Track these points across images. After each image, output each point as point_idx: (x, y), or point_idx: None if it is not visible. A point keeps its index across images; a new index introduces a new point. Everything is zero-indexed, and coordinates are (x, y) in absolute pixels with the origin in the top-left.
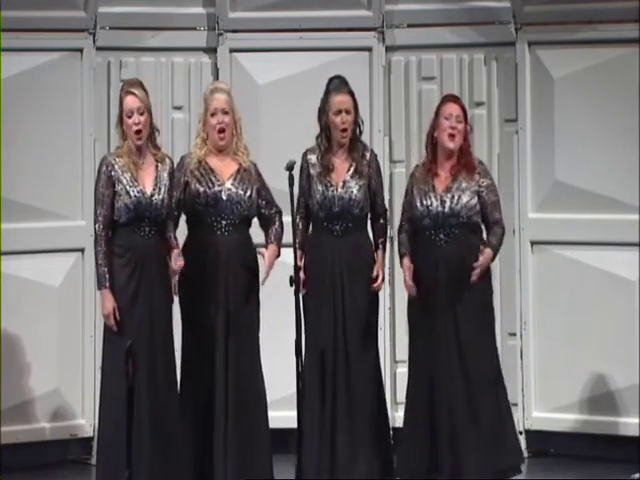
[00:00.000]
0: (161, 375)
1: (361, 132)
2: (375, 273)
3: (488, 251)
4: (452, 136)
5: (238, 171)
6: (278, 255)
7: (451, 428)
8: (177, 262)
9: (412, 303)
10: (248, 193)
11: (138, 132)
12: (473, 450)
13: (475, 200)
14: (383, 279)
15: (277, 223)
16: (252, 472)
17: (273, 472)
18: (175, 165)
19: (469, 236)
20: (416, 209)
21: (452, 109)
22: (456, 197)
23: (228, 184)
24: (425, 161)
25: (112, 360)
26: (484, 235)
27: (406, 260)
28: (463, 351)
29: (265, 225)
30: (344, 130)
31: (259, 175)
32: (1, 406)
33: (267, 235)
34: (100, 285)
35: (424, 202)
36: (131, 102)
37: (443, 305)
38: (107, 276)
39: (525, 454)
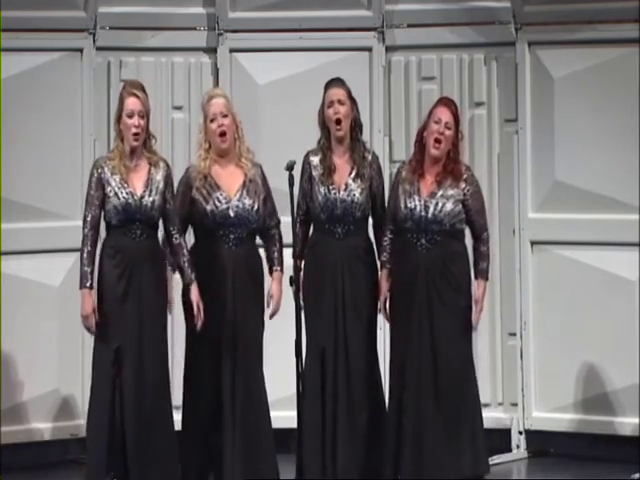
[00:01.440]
0: (149, 378)
1: (361, 133)
2: (383, 297)
3: (482, 286)
4: (438, 142)
5: (244, 184)
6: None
7: (415, 429)
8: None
9: (391, 305)
10: (255, 207)
11: (136, 134)
12: (434, 452)
13: (459, 207)
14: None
15: (277, 241)
16: (259, 473)
17: (279, 473)
18: (177, 173)
19: (451, 243)
20: (400, 210)
21: (443, 114)
22: (440, 204)
23: (235, 200)
24: (412, 159)
25: (99, 362)
26: (467, 240)
27: (384, 279)
28: (435, 356)
29: (264, 237)
30: (337, 122)
31: (264, 180)
32: (1, 406)
33: (269, 256)
34: (81, 284)
35: (408, 205)
36: (133, 104)
37: (419, 309)
38: (89, 276)
39: (525, 454)
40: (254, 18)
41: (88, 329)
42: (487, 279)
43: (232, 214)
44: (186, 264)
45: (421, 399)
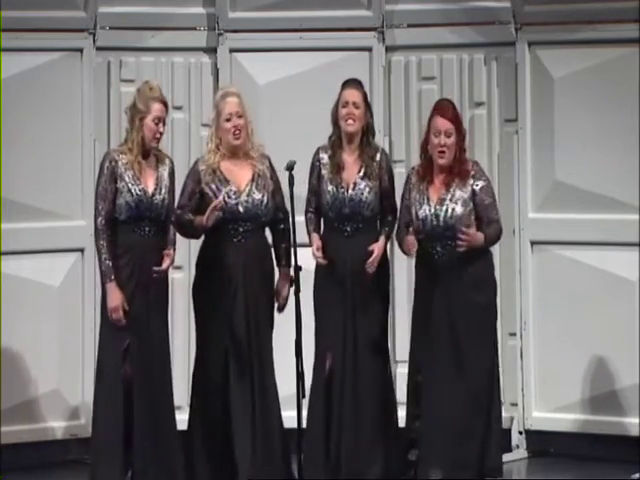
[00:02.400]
0: (157, 374)
1: (373, 136)
2: (371, 248)
3: (479, 233)
4: (442, 152)
5: (253, 178)
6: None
7: (428, 427)
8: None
9: (414, 309)
10: (265, 201)
11: (158, 140)
12: (442, 449)
13: (470, 207)
14: (380, 262)
15: (285, 240)
16: (271, 473)
17: (292, 473)
18: (182, 163)
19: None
20: (413, 222)
21: (440, 124)
22: (450, 209)
23: (244, 196)
24: (420, 168)
25: (109, 360)
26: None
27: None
28: (457, 358)
29: (272, 232)
30: (349, 120)
31: (273, 172)
32: (1, 406)
33: (277, 254)
34: (105, 279)
35: (420, 216)
36: (161, 111)
37: (439, 315)
38: (112, 270)
39: (525, 454)
40: (254, 18)
41: (118, 321)
42: (486, 239)
43: (242, 209)
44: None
45: (442, 401)
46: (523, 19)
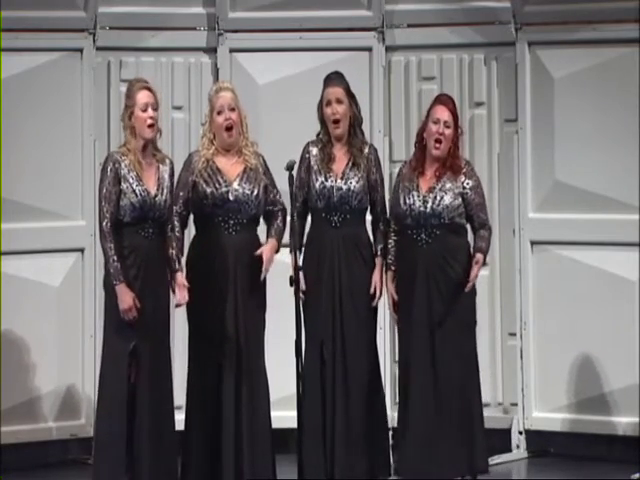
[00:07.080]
0: (162, 376)
1: (360, 129)
2: (372, 287)
3: (479, 258)
4: (438, 142)
5: (245, 170)
6: (277, 251)
7: (418, 428)
8: (181, 294)
9: (398, 303)
10: (255, 192)
11: (151, 126)
12: (438, 450)
13: (458, 201)
14: (381, 292)
15: (280, 219)
16: (255, 473)
17: (276, 472)
18: (182, 163)
19: (451, 237)
20: (399, 207)
21: (441, 113)
22: (438, 198)
23: (235, 185)
24: (412, 158)
25: (113, 361)
26: (468, 236)
27: (390, 281)
28: (435, 351)
29: (268, 221)
30: (335, 122)
31: (267, 169)
32: (1, 406)
33: (268, 230)
34: (115, 280)
35: (407, 201)
36: (147, 97)
37: (419, 306)
38: (120, 270)
39: (525, 454)
40: (254, 18)
41: (129, 322)
42: (484, 253)
43: (231, 197)
44: (174, 255)
45: (423, 397)
46: (523, 19)
